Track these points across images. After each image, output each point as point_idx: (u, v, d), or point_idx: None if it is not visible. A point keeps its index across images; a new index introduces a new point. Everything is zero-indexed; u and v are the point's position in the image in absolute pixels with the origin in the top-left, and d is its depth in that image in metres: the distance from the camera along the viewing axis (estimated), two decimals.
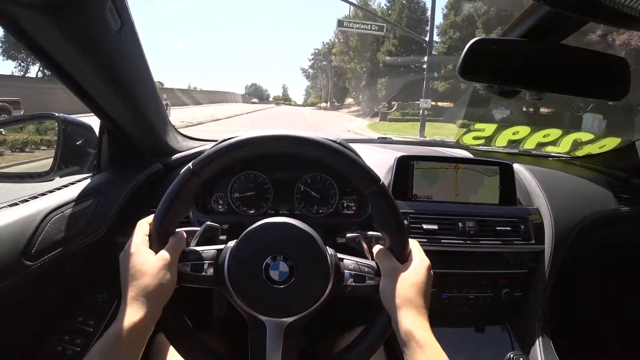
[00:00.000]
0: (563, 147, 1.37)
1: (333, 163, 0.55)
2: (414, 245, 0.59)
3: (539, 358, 0.90)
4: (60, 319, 0.79)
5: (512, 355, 0.80)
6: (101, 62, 0.65)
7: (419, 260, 0.56)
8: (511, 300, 0.95)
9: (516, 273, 0.96)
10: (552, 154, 1.41)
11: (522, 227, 0.96)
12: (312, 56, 64.43)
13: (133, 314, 0.46)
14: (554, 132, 1.37)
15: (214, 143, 1.13)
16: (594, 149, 1.31)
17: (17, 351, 0.69)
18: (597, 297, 1.12)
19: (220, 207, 0.92)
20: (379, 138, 1.46)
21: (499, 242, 0.93)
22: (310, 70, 71.72)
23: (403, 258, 0.56)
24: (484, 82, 0.67)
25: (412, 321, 0.49)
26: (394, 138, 1.46)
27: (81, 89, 0.71)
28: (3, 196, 0.78)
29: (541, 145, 1.39)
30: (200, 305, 1.13)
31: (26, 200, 0.73)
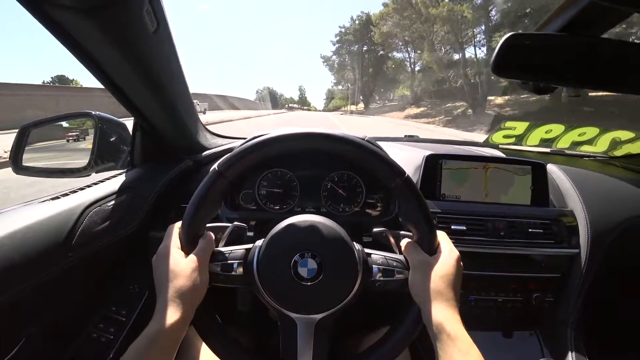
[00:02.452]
0: (600, 147, 1.29)
1: (358, 158, 0.55)
2: (442, 237, 0.58)
3: None
4: (96, 307, 0.83)
5: None
6: (138, 61, 0.67)
7: (448, 252, 0.55)
8: (542, 305, 0.91)
9: (548, 277, 0.92)
10: (588, 154, 1.35)
11: (555, 229, 0.92)
12: (337, 38, 46.07)
13: (169, 315, 0.47)
14: (591, 131, 1.29)
15: (242, 141, 1.16)
16: (634, 148, 1.23)
17: (55, 335, 0.73)
18: (634, 306, 1.06)
19: (247, 203, 0.94)
20: (405, 136, 1.44)
21: (530, 244, 0.89)
22: (334, 58, 50.85)
23: (432, 250, 0.56)
24: (519, 79, 0.64)
25: (443, 314, 0.49)
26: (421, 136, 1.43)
27: (118, 88, 0.74)
28: (44, 190, 0.83)
29: (576, 144, 1.32)
30: (224, 301, 1.15)
31: (66, 194, 0.77)
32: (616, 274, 0.98)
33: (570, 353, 0.87)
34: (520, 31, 0.59)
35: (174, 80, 0.80)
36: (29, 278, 0.59)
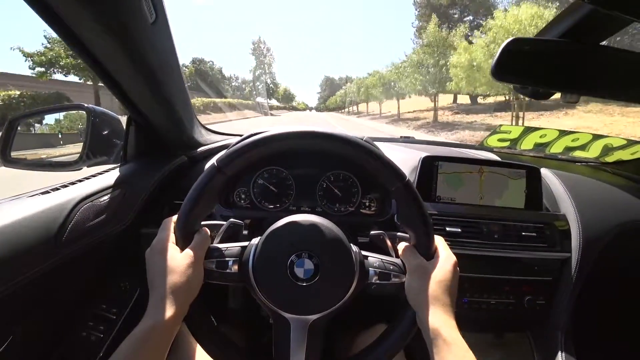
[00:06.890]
0: (592, 152, 1.31)
1: (359, 159, 0.54)
2: (439, 242, 0.58)
3: None
4: (86, 305, 0.81)
5: None
6: (135, 53, 0.66)
7: (446, 257, 0.55)
8: (533, 307, 0.92)
9: (540, 280, 0.93)
10: (580, 159, 1.37)
11: (548, 233, 0.93)
12: None
13: (163, 311, 0.47)
14: (584, 137, 1.31)
15: (238, 138, 1.15)
16: (625, 154, 1.25)
17: (45, 334, 0.71)
18: (624, 311, 1.08)
19: (242, 201, 0.93)
20: (401, 137, 1.44)
21: (524, 247, 0.90)
22: None
23: (429, 255, 0.56)
24: (519, 83, 0.65)
25: (439, 319, 0.49)
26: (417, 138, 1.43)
27: (113, 80, 0.72)
28: (34, 184, 0.81)
29: (569, 149, 1.34)
30: (217, 298, 1.14)
31: (57, 189, 0.75)
32: (607, 279, 0.99)
33: (560, 356, 0.88)
34: (521, 36, 0.60)
35: (170, 74, 0.79)
36: (17, 274, 0.58)
